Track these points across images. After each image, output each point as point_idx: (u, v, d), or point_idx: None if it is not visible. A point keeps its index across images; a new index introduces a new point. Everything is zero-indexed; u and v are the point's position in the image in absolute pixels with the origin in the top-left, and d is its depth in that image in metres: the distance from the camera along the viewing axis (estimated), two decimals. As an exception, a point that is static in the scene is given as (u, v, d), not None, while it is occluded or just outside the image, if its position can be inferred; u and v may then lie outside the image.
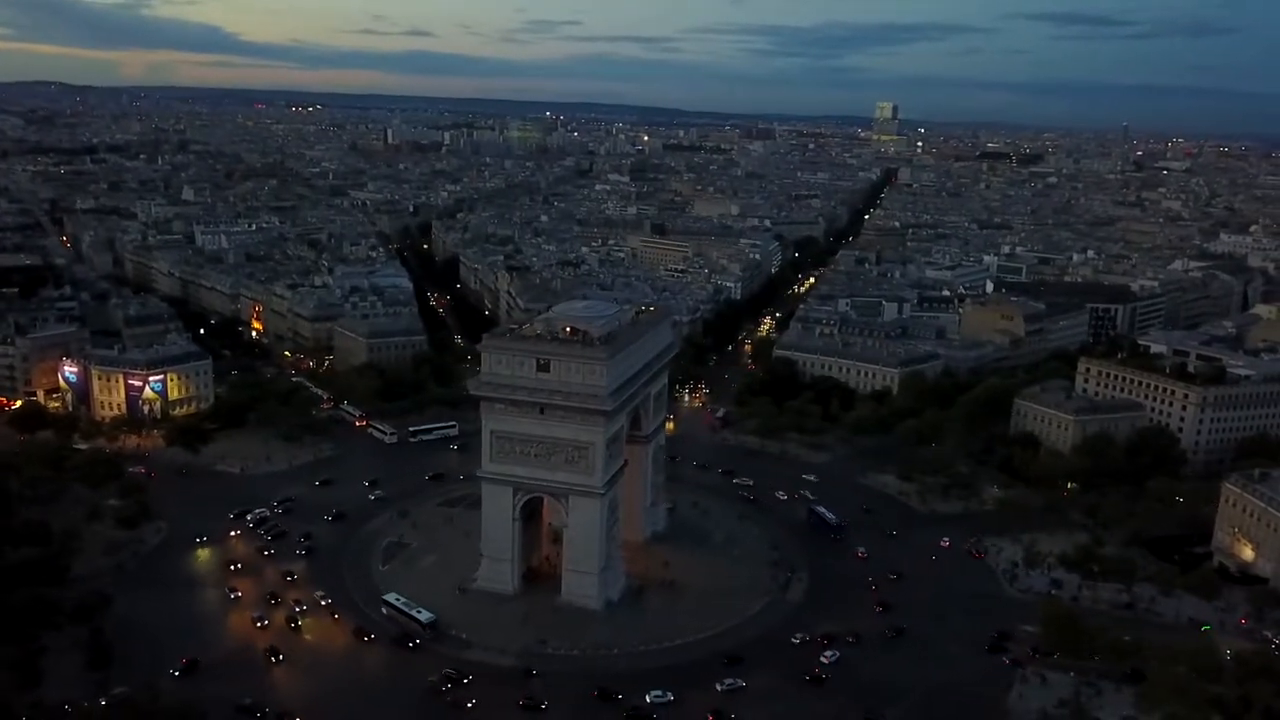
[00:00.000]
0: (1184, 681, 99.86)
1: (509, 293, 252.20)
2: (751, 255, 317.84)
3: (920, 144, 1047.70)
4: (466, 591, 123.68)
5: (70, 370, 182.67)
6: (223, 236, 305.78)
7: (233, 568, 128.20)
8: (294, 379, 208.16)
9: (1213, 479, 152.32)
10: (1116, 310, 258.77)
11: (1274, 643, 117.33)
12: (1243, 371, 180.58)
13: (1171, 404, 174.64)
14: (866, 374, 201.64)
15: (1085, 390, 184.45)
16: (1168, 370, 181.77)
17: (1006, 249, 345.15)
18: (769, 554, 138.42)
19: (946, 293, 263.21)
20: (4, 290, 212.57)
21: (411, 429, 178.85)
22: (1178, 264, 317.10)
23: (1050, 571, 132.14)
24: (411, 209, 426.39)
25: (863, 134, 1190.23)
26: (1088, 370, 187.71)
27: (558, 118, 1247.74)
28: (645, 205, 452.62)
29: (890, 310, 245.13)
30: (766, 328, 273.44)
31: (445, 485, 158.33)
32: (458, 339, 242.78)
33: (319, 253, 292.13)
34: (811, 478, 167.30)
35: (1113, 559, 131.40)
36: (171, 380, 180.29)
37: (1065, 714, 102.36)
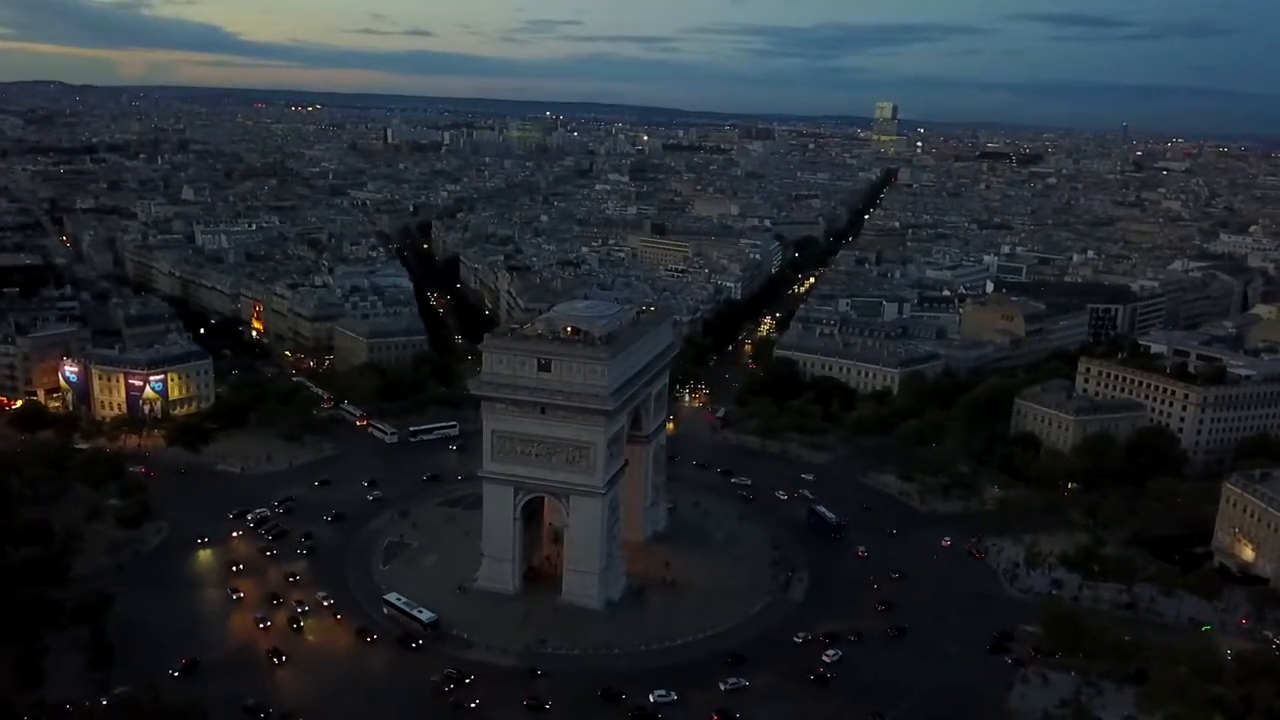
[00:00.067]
0: (1185, 682, 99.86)
1: (509, 292, 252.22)
2: (751, 255, 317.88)
3: (920, 144, 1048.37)
4: (467, 591, 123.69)
5: (71, 370, 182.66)
6: (223, 236, 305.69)
7: (235, 569, 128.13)
8: (294, 379, 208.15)
9: (1213, 479, 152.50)
10: (1117, 310, 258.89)
11: (1275, 643, 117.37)
12: (1243, 372, 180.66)
13: (1172, 404, 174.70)
14: (867, 374, 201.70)
15: (1085, 390, 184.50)
16: (1168, 370, 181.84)
17: (1006, 249, 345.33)
18: (769, 554, 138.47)
19: (947, 293, 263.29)
20: (4, 290, 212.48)
21: (412, 429, 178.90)
22: (1178, 264, 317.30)
23: (1051, 571, 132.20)
24: (411, 209, 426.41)
25: (862, 134, 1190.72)
26: (1088, 370, 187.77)
27: (558, 117, 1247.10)
28: (645, 205, 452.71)
29: (890, 310, 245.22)
30: (767, 328, 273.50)
31: (442, 486, 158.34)
32: (458, 339, 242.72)
33: (319, 252, 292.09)
34: (809, 477, 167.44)
35: (1113, 559, 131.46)
36: (172, 380, 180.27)
37: (1067, 714, 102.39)
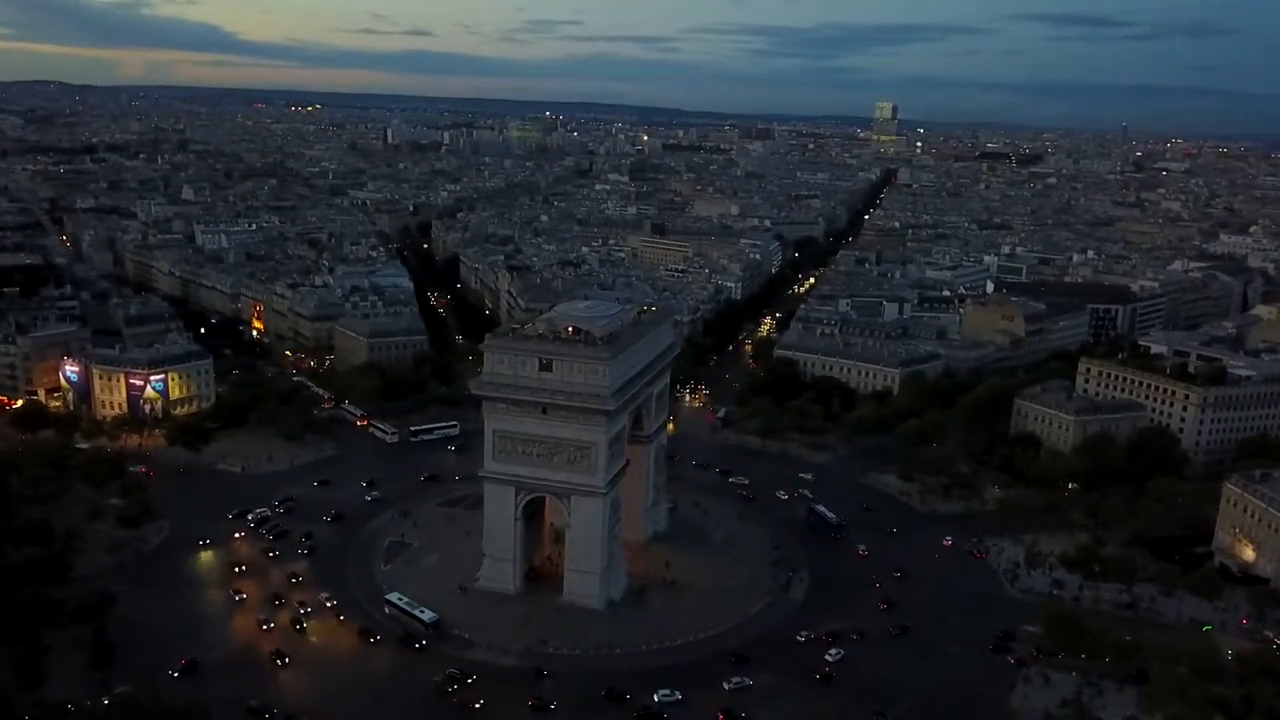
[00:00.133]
0: (1186, 682, 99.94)
1: (509, 292, 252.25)
2: (752, 255, 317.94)
3: (919, 144, 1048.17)
4: (468, 591, 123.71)
5: (71, 369, 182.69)
6: (223, 236, 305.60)
7: (237, 569, 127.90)
8: (295, 378, 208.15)
9: (1213, 479, 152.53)
10: (1117, 311, 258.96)
11: (1275, 643, 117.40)
12: (1243, 372, 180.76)
13: (1172, 404, 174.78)
14: (867, 374, 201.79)
15: (1086, 390, 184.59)
16: (1168, 371, 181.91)
17: (1006, 249, 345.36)
18: (770, 553, 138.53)
19: (947, 293, 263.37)
20: (5, 289, 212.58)
21: (412, 429, 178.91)
22: (1178, 264, 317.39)
23: (1051, 571, 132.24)
24: (411, 208, 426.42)
25: (862, 134, 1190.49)
26: (1088, 370, 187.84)
27: (557, 117, 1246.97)
28: (645, 205, 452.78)
29: (891, 310, 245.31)
30: (767, 328, 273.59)
31: (441, 486, 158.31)
32: (458, 339, 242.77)
33: (319, 252, 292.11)
34: (808, 476, 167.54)
35: (1114, 559, 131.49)
36: (173, 379, 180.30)
37: (1068, 714, 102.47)
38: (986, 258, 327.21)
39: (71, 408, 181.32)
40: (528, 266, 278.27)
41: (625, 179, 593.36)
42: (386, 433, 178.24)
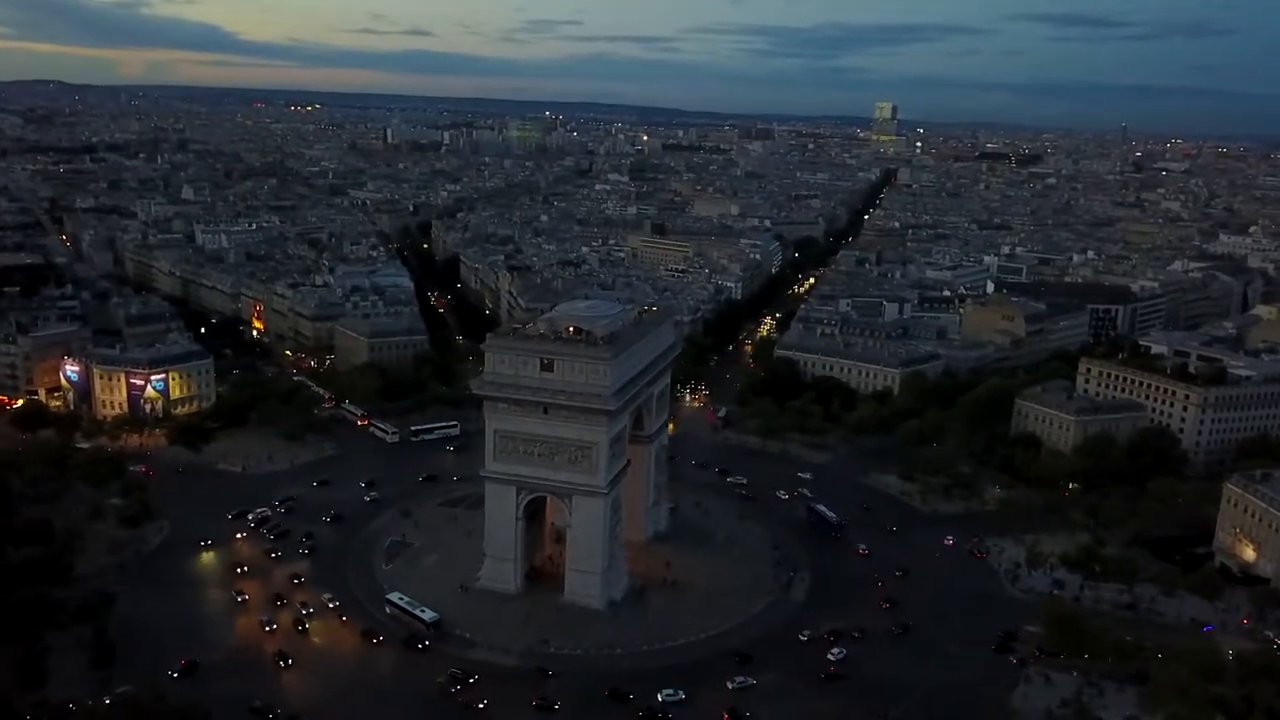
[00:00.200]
0: (1187, 682, 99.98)
1: (510, 292, 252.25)
2: (752, 255, 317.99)
3: (919, 144, 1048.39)
4: (469, 591, 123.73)
5: (72, 369, 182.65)
6: (223, 236, 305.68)
7: (239, 570, 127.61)
8: (295, 378, 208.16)
9: (1214, 479, 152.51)
10: (1117, 311, 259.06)
11: (1276, 643, 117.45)
12: (1243, 372, 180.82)
13: (1172, 404, 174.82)
14: (868, 374, 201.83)
15: (1086, 391, 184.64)
16: (1169, 371, 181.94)
17: (1006, 249, 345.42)
18: (771, 553, 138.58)
19: (947, 293, 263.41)
20: (5, 289, 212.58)
21: (413, 428, 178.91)
22: (1177, 265, 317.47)
23: (1052, 571, 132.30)
24: (411, 208, 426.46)
25: (862, 134, 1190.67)
26: (1089, 371, 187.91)
27: (557, 117, 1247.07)
28: (645, 205, 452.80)
29: (891, 310, 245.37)
30: (767, 328, 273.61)
31: (439, 486, 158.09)
32: (459, 338, 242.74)
33: (319, 252, 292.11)
34: (807, 475, 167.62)
35: (1114, 559, 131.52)
36: (173, 379, 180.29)
37: (1069, 714, 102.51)
38: (986, 258, 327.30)
39: (72, 407, 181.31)
40: (528, 266, 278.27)
41: (625, 179, 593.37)
42: (387, 432, 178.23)
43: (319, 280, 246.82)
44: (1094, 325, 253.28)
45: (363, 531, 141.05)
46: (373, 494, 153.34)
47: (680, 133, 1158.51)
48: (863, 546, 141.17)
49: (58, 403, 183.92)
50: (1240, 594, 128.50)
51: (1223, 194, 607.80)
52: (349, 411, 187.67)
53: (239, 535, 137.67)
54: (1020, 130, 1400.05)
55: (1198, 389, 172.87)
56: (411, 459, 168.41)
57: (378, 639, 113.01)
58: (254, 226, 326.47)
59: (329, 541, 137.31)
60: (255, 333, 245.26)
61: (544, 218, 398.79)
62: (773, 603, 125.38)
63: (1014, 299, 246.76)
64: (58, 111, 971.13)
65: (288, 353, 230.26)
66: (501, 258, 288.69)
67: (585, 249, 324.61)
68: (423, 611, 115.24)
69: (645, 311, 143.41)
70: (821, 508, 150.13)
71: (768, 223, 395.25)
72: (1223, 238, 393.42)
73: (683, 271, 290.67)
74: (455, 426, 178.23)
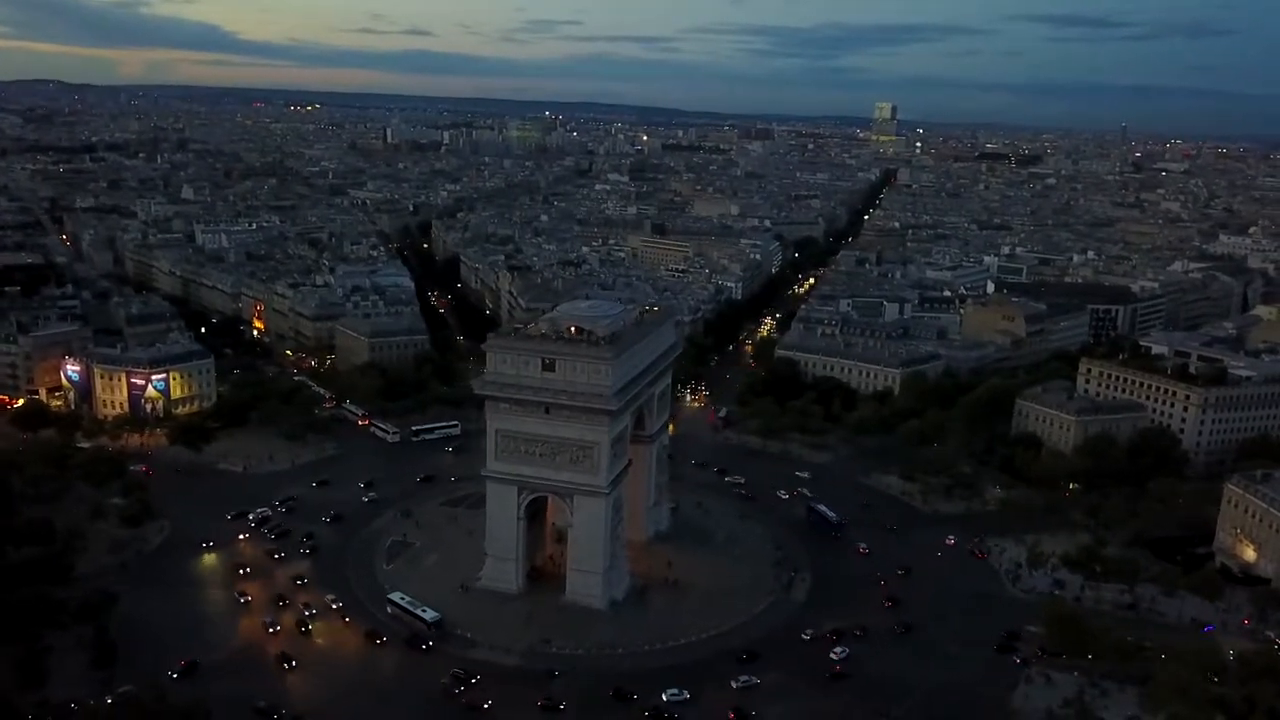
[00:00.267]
0: (1188, 682, 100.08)
1: (510, 292, 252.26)
2: (752, 255, 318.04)
3: (919, 144, 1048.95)
4: (470, 590, 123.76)
5: (72, 369, 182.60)
6: (223, 235, 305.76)
7: (241, 571, 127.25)
8: (296, 378, 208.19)
9: (1214, 480, 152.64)
10: (1117, 311, 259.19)
11: (1277, 643, 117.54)
12: (1244, 373, 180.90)
13: (1173, 405, 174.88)
14: (868, 374, 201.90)
15: (1086, 391, 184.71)
16: (1169, 371, 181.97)
17: (1006, 250, 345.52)
18: (772, 553, 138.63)
19: (947, 293, 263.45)
20: (6, 289, 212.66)
21: (414, 428, 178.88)
22: (1177, 265, 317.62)
23: (1053, 572, 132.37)
24: (411, 208, 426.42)
25: (861, 134, 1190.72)
26: (1089, 371, 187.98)
27: (557, 117, 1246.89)
28: (645, 205, 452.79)
29: (891, 311, 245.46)
30: (767, 328, 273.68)
31: (437, 487, 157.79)
32: (459, 338, 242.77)
33: (320, 252, 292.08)
34: (805, 475, 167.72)
35: (1115, 559, 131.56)
36: (174, 379, 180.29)
37: (1070, 714, 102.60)
38: (986, 258, 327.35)
39: (73, 407, 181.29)
40: (528, 266, 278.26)
41: (625, 179, 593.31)
42: (388, 432, 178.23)
43: (319, 280, 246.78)
44: (1094, 325, 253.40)
45: (363, 531, 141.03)
46: (371, 494, 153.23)
47: (680, 133, 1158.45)
48: (863, 546, 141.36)
49: (58, 402, 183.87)
50: (1241, 594, 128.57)
51: (1222, 194, 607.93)
52: (350, 411, 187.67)
53: (241, 536, 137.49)
54: (1020, 130, 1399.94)
55: (1198, 389, 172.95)
56: (412, 459, 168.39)
57: (381, 640, 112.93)
58: (254, 226, 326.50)
59: (330, 542, 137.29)
60: (256, 332, 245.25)
61: (544, 218, 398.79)
62: (774, 602, 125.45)
63: (1014, 299, 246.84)
64: (57, 111, 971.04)
65: (288, 352, 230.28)
66: (502, 258, 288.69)
67: (585, 249, 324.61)
68: (424, 611, 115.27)
69: (646, 311, 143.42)
70: (821, 507, 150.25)
71: (768, 223, 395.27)
72: (1222, 238, 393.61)
73: (683, 271, 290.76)
74: (456, 426, 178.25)
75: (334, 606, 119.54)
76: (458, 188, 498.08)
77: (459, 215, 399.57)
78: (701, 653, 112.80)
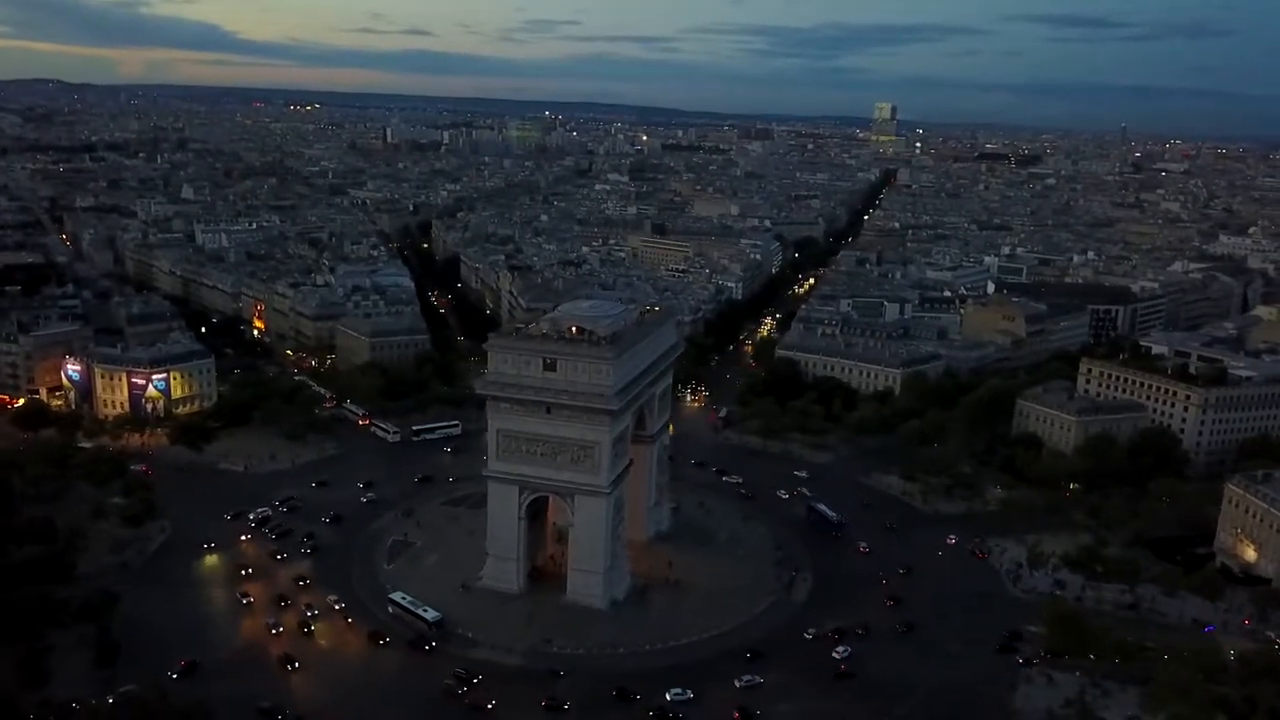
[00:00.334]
0: (1189, 682, 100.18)
1: (511, 292, 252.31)
2: (752, 255, 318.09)
3: (919, 145, 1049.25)
4: (470, 589, 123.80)
5: (73, 368, 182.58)
6: (223, 235, 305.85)
7: (244, 572, 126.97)
8: (296, 378, 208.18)
9: (1215, 480, 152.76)
10: (1117, 311, 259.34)
11: (1278, 643, 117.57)
12: (1244, 373, 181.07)
13: (1173, 405, 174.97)
14: (869, 374, 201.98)
15: (1087, 391, 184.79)
16: (1169, 371, 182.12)
17: (1006, 250, 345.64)
18: (773, 553, 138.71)
19: (947, 293, 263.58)
20: (6, 288, 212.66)
21: (415, 428, 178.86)
22: (1177, 265, 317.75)
23: (1054, 572, 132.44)
24: (411, 208, 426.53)
25: (861, 134, 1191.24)
26: (1089, 371, 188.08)
27: (557, 117, 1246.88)
28: (645, 205, 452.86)
29: (892, 311, 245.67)
30: (768, 328, 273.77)
31: (435, 487, 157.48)
32: (459, 338, 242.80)
33: (320, 251, 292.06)
34: (803, 474, 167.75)
35: (1116, 560, 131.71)
36: (175, 378, 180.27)
37: (1071, 714, 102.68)
38: (987, 258, 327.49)
39: (73, 407, 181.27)
40: (528, 266, 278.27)
41: (625, 179, 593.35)
42: (388, 432, 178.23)
43: (320, 280, 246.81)
44: (1094, 326, 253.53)
45: (365, 531, 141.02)
46: (370, 495, 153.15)
47: (680, 133, 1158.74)
48: (864, 545, 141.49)
49: (59, 402, 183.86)
50: (1241, 594, 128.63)
51: (1222, 195, 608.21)
52: (350, 411, 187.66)
53: (244, 537, 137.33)
54: (1020, 131, 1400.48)
55: (1198, 389, 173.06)
56: (412, 459, 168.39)
57: (384, 640, 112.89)
58: (254, 226, 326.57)
59: (330, 541, 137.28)
60: (256, 332, 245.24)
61: (544, 217, 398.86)
62: (775, 602, 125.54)
63: (1014, 299, 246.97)
64: (57, 110, 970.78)
65: (289, 352, 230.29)
66: (502, 257, 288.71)
67: (585, 249, 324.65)
68: (425, 611, 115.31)
69: (647, 311, 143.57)
70: (821, 506, 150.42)
71: (768, 223, 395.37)
72: (1222, 238, 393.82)
73: (683, 271, 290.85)
74: (457, 426, 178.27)
75: (336, 607, 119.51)
76: (458, 187, 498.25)
77: (459, 215, 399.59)
78: (703, 652, 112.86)
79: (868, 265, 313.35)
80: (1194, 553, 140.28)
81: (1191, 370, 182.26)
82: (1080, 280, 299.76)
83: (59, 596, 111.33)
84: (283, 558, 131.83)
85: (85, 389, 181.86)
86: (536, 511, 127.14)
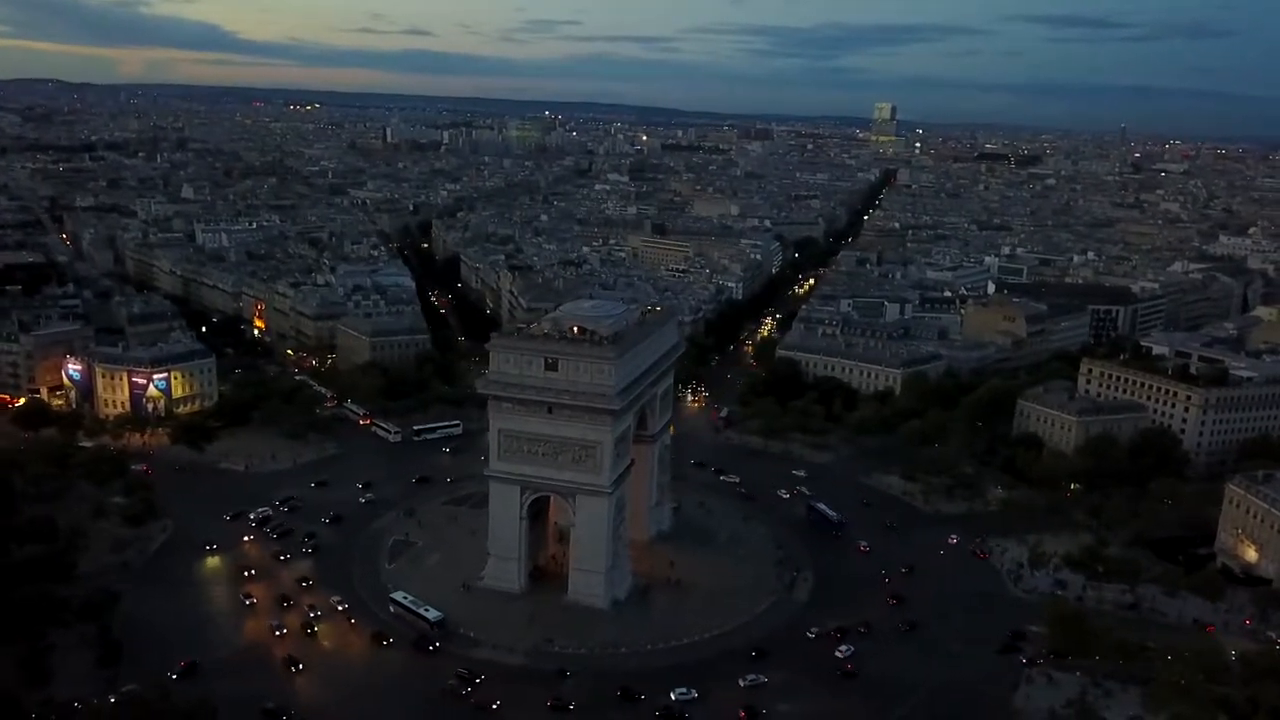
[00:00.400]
0: (1190, 682, 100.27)
1: (511, 292, 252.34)
2: (752, 255, 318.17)
3: (918, 145, 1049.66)
4: (473, 590, 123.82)
5: (74, 368, 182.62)
6: (223, 235, 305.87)
7: (246, 574, 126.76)
8: (297, 377, 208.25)
9: (1215, 480, 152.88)
10: (1118, 311, 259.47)
11: (1278, 644, 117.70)
12: (1245, 373, 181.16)
13: (1174, 405, 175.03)
14: (869, 374, 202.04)
15: (1087, 391, 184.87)
16: (1170, 372, 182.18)
17: (1006, 250, 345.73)
18: (774, 552, 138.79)
19: (948, 294, 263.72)
20: (7, 288, 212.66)
21: (415, 428, 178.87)
22: (1177, 266, 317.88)
23: (1055, 572, 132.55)
24: (411, 208, 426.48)
25: (861, 135, 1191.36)
26: (1090, 371, 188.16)
27: (557, 117, 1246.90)
28: (645, 205, 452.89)
29: (892, 311, 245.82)
30: (768, 328, 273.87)
31: (433, 488, 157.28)
32: (460, 338, 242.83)
33: (320, 251, 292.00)
34: (801, 473, 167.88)
35: (1117, 560, 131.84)
36: (175, 378, 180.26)
37: (1072, 714, 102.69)
38: (987, 258, 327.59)
39: (74, 406, 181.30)
40: (529, 266, 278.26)
41: (625, 179, 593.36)
42: (389, 432, 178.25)
43: (320, 279, 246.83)
44: (1095, 326, 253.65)
45: (365, 531, 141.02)
46: (369, 495, 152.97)
47: (680, 133, 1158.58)
48: (864, 544, 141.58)
49: (60, 401, 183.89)
50: (1242, 595, 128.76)
51: (1222, 195, 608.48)
52: (351, 411, 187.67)
53: (246, 538, 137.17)
54: (1020, 131, 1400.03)
55: (1199, 390, 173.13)
56: (413, 459, 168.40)
57: (387, 641, 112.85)
58: (254, 225, 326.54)
59: (331, 541, 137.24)
60: (257, 332, 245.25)
61: (544, 217, 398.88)
62: (777, 602, 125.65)
63: (1015, 300, 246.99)
64: (57, 110, 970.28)
65: (289, 352, 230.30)
66: (502, 257, 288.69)
67: (586, 249, 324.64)
68: (427, 610, 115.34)
69: (648, 311, 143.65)
70: (821, 506, 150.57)
71: (768, 223, 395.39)
72: (1222, 239, 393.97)
73: (683, 271, 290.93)
74: (458, 426, 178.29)
75: (339, 608, 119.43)
76: (458, 187, 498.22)
77: (459, 215, 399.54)
78: (705, 652, 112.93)
79: (868, 265, 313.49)
80: (1195, 553, 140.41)
81: (1192, 371, 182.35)
82: (1080, 280, 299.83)
83: (60, 595, 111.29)
84: (285, 558, 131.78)
85: (86, 388, 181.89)
86: (538, 511, 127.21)
